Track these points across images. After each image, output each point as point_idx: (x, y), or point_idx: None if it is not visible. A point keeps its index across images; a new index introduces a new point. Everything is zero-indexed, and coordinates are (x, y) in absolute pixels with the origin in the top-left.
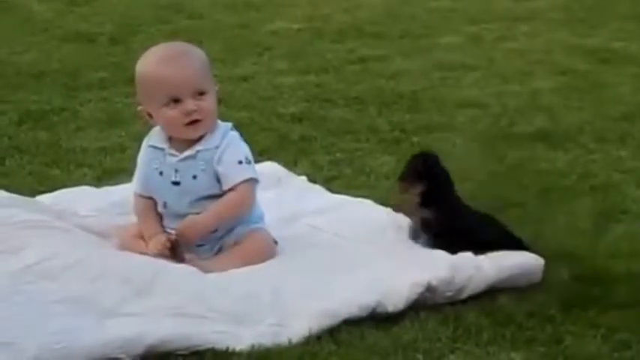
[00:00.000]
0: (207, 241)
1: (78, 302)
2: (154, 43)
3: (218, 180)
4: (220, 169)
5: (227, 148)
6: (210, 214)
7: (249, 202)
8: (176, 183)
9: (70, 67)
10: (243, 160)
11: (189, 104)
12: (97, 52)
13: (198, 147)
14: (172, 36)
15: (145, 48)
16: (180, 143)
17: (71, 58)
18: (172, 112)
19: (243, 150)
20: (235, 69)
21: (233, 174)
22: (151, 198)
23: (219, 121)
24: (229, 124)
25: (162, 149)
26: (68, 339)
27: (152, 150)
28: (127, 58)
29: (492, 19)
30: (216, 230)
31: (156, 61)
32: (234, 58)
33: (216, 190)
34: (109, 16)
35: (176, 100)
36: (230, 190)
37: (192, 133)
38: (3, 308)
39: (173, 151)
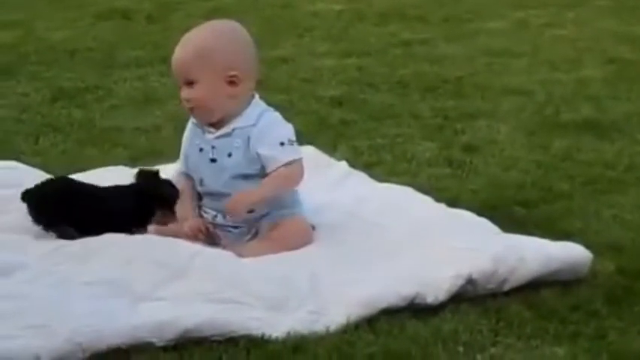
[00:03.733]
0: (243, 224)
1: (111, 285)
2: (193, 21)
3: (253, 159)
4: (262, 152)
5: (267, 129)
6: (264, 185)
7: (299, 177)
8: (213, 160)
9: (105, 44)
10: (286, 142)
11: (182, 93)
12: (133, 30)
13: (234, 124)
14: (211, 15)
15: (183, 27)
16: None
17: (106, 36)
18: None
19: (285, 131)
20: (274, 50)
21: (276, 156)
22: (190, 177)
23: (256, 99)
24: (266, 106)
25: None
26: (100, 321)
27: (194, 127)
28: (165, 37)
29: (539, 5)
30: (253, 211)
31: None
32: (273, 38)
33: (250, 170)
34: None
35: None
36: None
37: (196, 118)
38: (36, 289)
39: (210, 128)
